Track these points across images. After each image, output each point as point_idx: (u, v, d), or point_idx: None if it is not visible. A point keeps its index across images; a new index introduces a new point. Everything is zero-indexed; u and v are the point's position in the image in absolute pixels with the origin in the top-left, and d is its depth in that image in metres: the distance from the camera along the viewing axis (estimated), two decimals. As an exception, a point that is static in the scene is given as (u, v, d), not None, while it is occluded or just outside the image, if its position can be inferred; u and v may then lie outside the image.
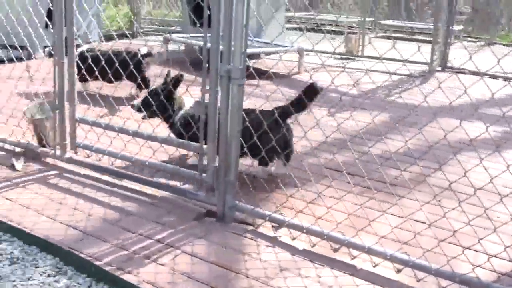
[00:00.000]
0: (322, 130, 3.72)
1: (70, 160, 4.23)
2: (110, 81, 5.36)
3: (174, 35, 8.99)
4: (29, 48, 6.04)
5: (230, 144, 3.41)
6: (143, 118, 4.38)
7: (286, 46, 7.84)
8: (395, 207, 3.54)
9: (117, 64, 4.39)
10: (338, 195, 3.57)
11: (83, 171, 4.19)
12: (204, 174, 3.62)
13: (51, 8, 4.10)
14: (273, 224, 3.46)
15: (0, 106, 4.83)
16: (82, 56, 5.46)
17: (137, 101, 4.45)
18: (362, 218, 3.45)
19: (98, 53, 5.56)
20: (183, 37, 8.46)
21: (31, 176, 4.11)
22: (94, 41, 9.43)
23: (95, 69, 4.49)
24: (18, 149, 4.56)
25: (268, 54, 8.34)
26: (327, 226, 3.34)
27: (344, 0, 14.84)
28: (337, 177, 3.99)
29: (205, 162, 3.61)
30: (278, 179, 3.86)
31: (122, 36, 10.12)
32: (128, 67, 4.81)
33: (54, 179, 4.07)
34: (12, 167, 4.24)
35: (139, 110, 4.40)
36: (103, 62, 4.49)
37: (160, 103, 4.17)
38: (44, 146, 4.47)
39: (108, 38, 10.30)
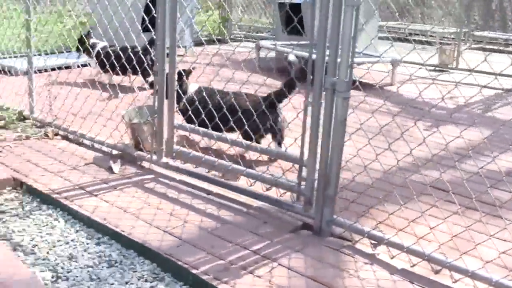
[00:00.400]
0: (427, 146, 3.58)
1: (167, 166, 4.26)
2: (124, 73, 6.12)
3: (264, 42, 9.00)
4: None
5: (331, 157, 3.33)
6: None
7: (379, 57, 7.68)
8: (504, 231, 3.35)
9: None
10: (442, 215, 3.42)
11: (179, 176, 4.21)
12: (302, 186, 3.56)
13: (144, 16, 4.15)
14: (372, 241, 3.35)
15: (99, 109, 4.93)
16: (105, 52, 6.26)
17: (151, 78, 4.71)
18: (466, 241, 3.29)
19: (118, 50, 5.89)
20: (274, 44, 8.44)
21: (128, 180, 4.17)
22: (185, 47, 9.58)
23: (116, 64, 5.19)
24: (115, 152, 4.64)
25: (359, 64, 8.20)
26: (428, 247, 3.21)
27: (436, 10, 14.44)
28: (442, 196, 3.82)
29: (304, 174, 3.55)
30: (380, 195, 3.74)
31: (212, 42, 10.25)
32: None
33: (150, 184, 4.11)
34: (110, 170, 4.31)
35: (151, 86, 4.57)
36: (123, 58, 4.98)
37: None
38: (140, 150, 4.53)
39: (198, 43, 10.44)
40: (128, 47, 5.02)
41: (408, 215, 3.63)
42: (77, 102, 5.20)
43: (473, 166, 4.42)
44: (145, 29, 6.13)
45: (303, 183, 3.55)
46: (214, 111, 4.20)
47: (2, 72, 7.35)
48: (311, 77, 3.35)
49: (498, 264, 3.13)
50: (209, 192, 3.98)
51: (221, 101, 4.30)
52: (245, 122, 3.94)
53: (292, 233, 3.46)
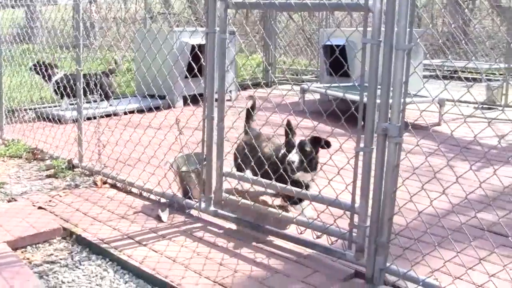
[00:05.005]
0: (482, 188, 3.47)
1: (215, 214, 4.24)
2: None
3: (310, 85, 9.01)
4: (175, 98, 6.30)
5: (383, 203, 3.25)
6: None
7: (426, 97, 7.56)
8: None
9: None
10: (501, 261, 3.28)
11: (228, 225, 4.18)
12: (354, 234, 3.47)
13: (191, 62, 4.20)
14: (428, 290, 3.24)
15: (148, 157, 4.97)
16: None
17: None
18: (528, 288, 3.14)
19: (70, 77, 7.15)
20: (319, 87, 8.43)
21: (177, 228, 4.15)
22: (230, 91, 9.65)
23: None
24: (163, 200, 4.65)
25: (407, 104, 8.10)
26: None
27: (480, 45, 14.26)
28: (500, 241, 3.68)
29: (355, 220, 3.47)
30: (435, 241, 3.62)
31: (257, 85, 10.30)
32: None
33: (199, 232, 4.08)
34: (158, 218, 4.31)
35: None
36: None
37: None
38: (189, 198, 4.53)
39: (243, 87, 10.50)
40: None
41: (464, 262, 3.50)
42: (126, 150, 5.26)
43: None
44: (193, 76, 6.24)
45: (354, 230, 3.47)
46: None
47: (52, 121, 7.51)
48: (362, 122, 3.30)
49: None
50: (258, 241, 3.93)
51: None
52: None
53: (344, 282, 3.38)
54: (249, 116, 4.73)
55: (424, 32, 11.10)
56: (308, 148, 4.02)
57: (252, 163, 4.30)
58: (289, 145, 4.06)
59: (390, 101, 3.16)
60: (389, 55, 3.12)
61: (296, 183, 4.04)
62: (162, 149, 4.84)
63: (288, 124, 4.12)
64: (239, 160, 4.48)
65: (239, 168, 4.54)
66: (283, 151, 4.15)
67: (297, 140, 4.05)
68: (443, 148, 6.00)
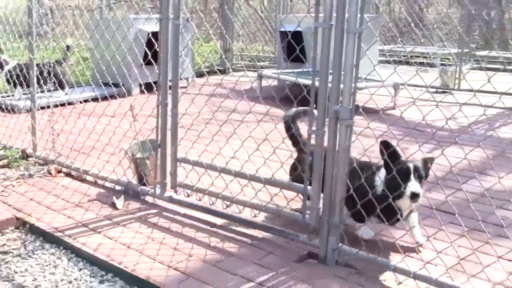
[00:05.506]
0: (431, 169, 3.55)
1: (170, 199, 4.24)
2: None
3: (266, 71, 9.03)
4: (130, 86, 6.27)
5: (335, 185, 3.30)
6: None
7: (380, 81, 7.67)
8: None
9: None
10: (448, 238, 3.37)
11: (183, 210, 4.19)
12: (307, 216, 3.52)
13: (146, 50, 4.18)
14: (379, 267, 3.31)
15: (102, 145, 4.94)
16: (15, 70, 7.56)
17: None
18: (474, 263, 3.23)
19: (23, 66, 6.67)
20: (277, 73, 8.46)
21: (132, 215, 4.14)
22: (186, 79, 9.62)
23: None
24: (118, 187, 4.63)
25: (360, 89, 8.20)
26: (436, 271, 3.15)
27: (436, 31, 14.48)
28: (448, 219, 3.78)
29: (308, 203, 3.52)
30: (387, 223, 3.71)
31: (213, 72, 10.29)
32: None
33: (154, 218, 4.08)
34: (113, 205, 4.29)
35: None
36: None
37: None
38: (144, 184, 4.52)
39: (199, 75, 10.50)
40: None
41: (413, 239, 3.60)
42: (80, 138, 5.21)
43: (478, 187, 4.38)
44: (148, 63, 6.20)
45: (307, 212, 3.53)
46: None
47: (5, 110, 7.38)
48: (314, 106, 3.34)
49: (508, 286, 3.09)
50: (213, 225, 3.95)
51: None
52: None
53: (297, 263, 3.42)
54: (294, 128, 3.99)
55: (377, 17, 11.23)
56: (424, 173, 3.36)
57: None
58: (401, 171, 3.31)
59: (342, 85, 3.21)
60: (340, 39, 3.16)
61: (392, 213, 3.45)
62: (117, 137, 4.81)
63: (385, 143, 3.40)
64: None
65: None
66: (381, 177, 3.48)
67: (404, 164, 3.34)
68: (397, 131, 6.10)
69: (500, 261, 3.21)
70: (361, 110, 3.38)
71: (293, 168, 4.03)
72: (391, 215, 3.42)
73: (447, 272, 3.15)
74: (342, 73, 3.20)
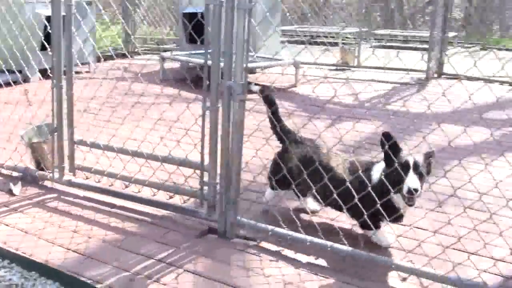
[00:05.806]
0: (324, 142, 3.69)
1: (69, 183, 4.18)
2: None
3: (168, 53, 8.99)
4: (26, 71, 6.09)
5: (231, 160, 3.37)
6: None
7: (282, 60, 7.83)
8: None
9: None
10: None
11: (83, 193, 4.15)
12: (205, 191, 3.58)
13: (49, 31, 4.09)
14: (278, 238, 3.41)
15: (-3, 131, 4.81)
16: None
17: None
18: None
19: None
20: (179, 55, 8.44)
21: (29, 200, 4.06)
22: (88, 63, 9.43)
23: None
24: (15, 174, 4.52)
25: (264, 68, 8.33)
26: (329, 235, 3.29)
27: (337, 11, 14.87)
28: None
29: (205, 178, 3.58)
30: (289, 198, 3.81)
31: (119, 55, 10.15)
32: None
33: (52, 203, 4.02)
34: (10, 192, 4.19)
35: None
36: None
37: None
38: (42, 169, 4.43)
39: (106, 57, 10.33)
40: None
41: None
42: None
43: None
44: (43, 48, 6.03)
45: (205, 188, 3.58)
46: None
47: None
48: (207, 83, 3.38)
49: (396, 247, 3.28)
50: (113, 206, 3.94)
51: None
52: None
53: (197, 239, 3.48)
54: (275, 116, 3.70)
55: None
56: (425, 169, 3.11)
57: (315, 190, 3.45)
58: (402, 166, 3.07)
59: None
60: (231, 15, 3.21)
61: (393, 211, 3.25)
62: (12, 123, 4.69)
63: (387, 135, 3.18)
64: (294, 185, 3.56)
65: (280, 184, 3.70)
66: (376, 173, 3.29)
67: (404, 157, 3.11)
68: (298, 108, 6.25)
69: (389, 225, 3.38)
70: (254, 84, 3.45)
71: (273, 171, 3.75)
72: (391, 212, 3.22)
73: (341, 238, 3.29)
74: (234, 50, 3.25)
